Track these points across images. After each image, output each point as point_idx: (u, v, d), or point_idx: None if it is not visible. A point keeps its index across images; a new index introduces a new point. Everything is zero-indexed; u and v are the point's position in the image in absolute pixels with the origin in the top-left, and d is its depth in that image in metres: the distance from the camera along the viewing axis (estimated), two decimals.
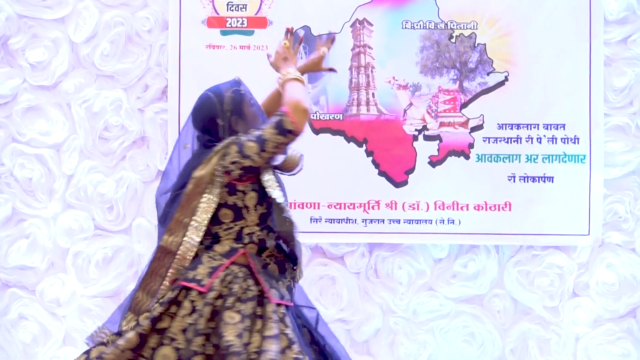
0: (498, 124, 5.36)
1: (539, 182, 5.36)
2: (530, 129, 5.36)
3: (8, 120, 5.42)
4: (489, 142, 5.37)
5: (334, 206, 5.33)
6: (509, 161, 5.36)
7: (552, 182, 5.36)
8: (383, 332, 5.43)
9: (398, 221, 5.34)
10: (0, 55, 5.41)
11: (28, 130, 5.42)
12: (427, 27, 5.37)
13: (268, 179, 3.70)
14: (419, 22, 5.37)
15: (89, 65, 5.42)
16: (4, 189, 5.42)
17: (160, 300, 3.60)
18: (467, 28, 5.38)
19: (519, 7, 5.36)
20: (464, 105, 5.38)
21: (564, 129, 5.36)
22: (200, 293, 3.58)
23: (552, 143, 5.36)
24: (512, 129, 5.36)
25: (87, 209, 5.42)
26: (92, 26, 5.39)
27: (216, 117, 3.74)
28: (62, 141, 5.44)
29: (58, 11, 5.42)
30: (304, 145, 3.85)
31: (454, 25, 5.38)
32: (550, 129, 5.36)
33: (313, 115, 5.35)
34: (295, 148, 3.79)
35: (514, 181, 5.36)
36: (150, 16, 5.40)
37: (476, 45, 5.38)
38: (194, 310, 3.55)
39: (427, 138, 5.37)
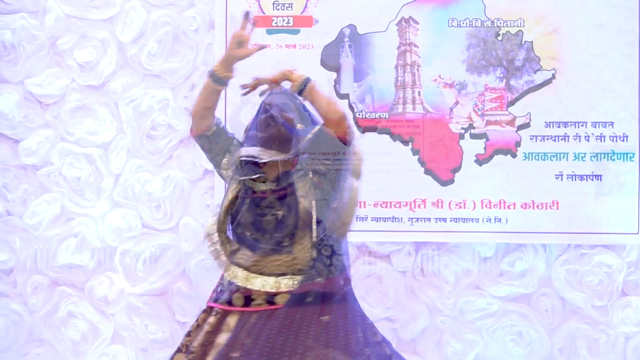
0: (545, 122, 5.32)
1: (587, 180, 5.31)
2: (578, 127, 5.31)
3: (57, 119, 5.47)
4: (536, 141, 5.33)
5: (380, 205, 5.33)
6: (557, 159, 5.32)
7: (600, 180, 5.31)
8: (430, 331, 5.42)
9: (444, 220, 5.32)
10: (50, 55, 5.47)
11: (76, 129, 5.47)
12: (474, 25, 5.35)
13: None
14: (465, 20, 5.35)
15: (136, 64, 5.46)
16: (53, 188, 5.47)
17: None
18: (513, 26, 5.35)
19: (566, 4, 5.32)
20: (511, 103, 5.35)
21: (612, 127, 5.31)
22: None
23: (600, 141, 5.31)
24: (559, 127, 5.32)
25: (134, 208, 5.46)
26: (140, 26, 5.42)
27: None
28: (109, 140, 5.48)
29: (106, 11, 5.46)
30: None
31: (500, 23, 5.35)
32: (598, 127, 5.31)
33: (359, 114, 5.35)
34: None
35: (562, 179, 5.32)
36: (197, 15, 5.43)
37: (523, 43, 5.35)
38: None
39: (474, 136, 5.35)
